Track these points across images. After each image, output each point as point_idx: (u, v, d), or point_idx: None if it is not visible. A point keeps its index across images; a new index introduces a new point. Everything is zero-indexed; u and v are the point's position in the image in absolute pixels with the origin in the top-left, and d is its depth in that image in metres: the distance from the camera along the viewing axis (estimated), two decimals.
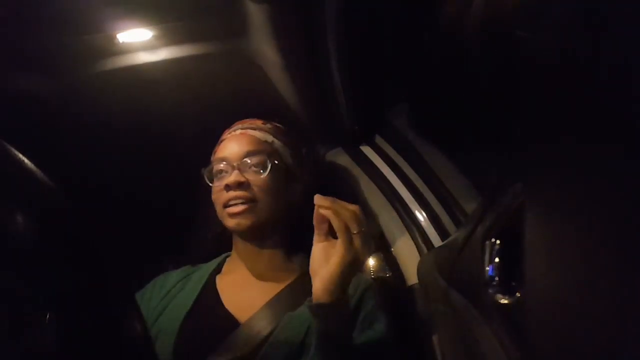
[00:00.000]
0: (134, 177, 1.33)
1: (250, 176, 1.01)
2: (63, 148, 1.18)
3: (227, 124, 1.13)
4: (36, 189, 0.46)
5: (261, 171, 1.01)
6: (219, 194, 1.02)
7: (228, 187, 0.99)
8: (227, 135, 1.09)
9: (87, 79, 1.14)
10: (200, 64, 1.16)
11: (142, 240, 1.33)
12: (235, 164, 1.01)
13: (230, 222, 1.00)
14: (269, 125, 1.10)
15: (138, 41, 1.08)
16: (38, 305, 0.41)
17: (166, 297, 1.02)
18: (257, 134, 1.07)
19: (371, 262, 1.26)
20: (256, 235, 1.03)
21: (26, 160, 0.46)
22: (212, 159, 1.08)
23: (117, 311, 0.50)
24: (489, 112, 0.89)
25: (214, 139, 1.12)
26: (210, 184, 1.04)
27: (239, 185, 0.99)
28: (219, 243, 1.13)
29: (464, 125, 1.09)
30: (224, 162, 1.03)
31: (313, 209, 0.79)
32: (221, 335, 0.91)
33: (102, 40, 1.06)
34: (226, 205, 1.00)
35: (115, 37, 1.06)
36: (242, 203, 0.99)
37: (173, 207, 1.36)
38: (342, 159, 1.30)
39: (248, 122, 1.10)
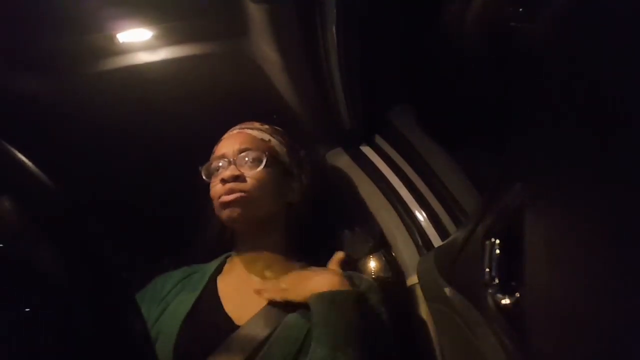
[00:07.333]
0: (134, 177, 1.33)
1: (246, 170, 1.03)
2: (63, 148, 1.18)
3: (227, 124, 1.14)
4: (36, 189, 0.46)
5: (256, 165, 1.03)
6: (216, 189, 1.03)
7: (224, 181, 1.01)
8: (225, 135, 1.12)
9: (87, 79, 1.14)
10: (200, 64, 1.16)
11: (143, 241, 1.34)
12: (231, 159, 1.03)
13: (224, 213, 1.02)
14: (266, 126, 1.12)
15: (138, 41, 1.08)
16: (38, 305, 0.41)
17: (166, 298, 1.02)
18: (254, 132, 1.09)
19: (371, 262, 1.26)
20: (253, 230, 1.04)
21: (26, 160, 0.46)
22: (210, 158, 1.09)
23: (118, 312, 0.49)
24: (489, 112, 0.89)
25: (214, 139, 1.12)
26: (208, 180, 1.06)
27: (235, 179, 1.01)
28: (219, 243, 1.13)
29: (464, 125, 1.09)
30: (221, 158, 1.05)
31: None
32: (221, 337, 0.91)
33: (102, 40, 1.06)
34: (221, 198, 1.01)
35: (115, 37, 1.06)
36: (235, 193, 1.00)
37: (173, 207, 1.36)
38: (342, 159, 1.30)
39: (246, 124, 1.13)
